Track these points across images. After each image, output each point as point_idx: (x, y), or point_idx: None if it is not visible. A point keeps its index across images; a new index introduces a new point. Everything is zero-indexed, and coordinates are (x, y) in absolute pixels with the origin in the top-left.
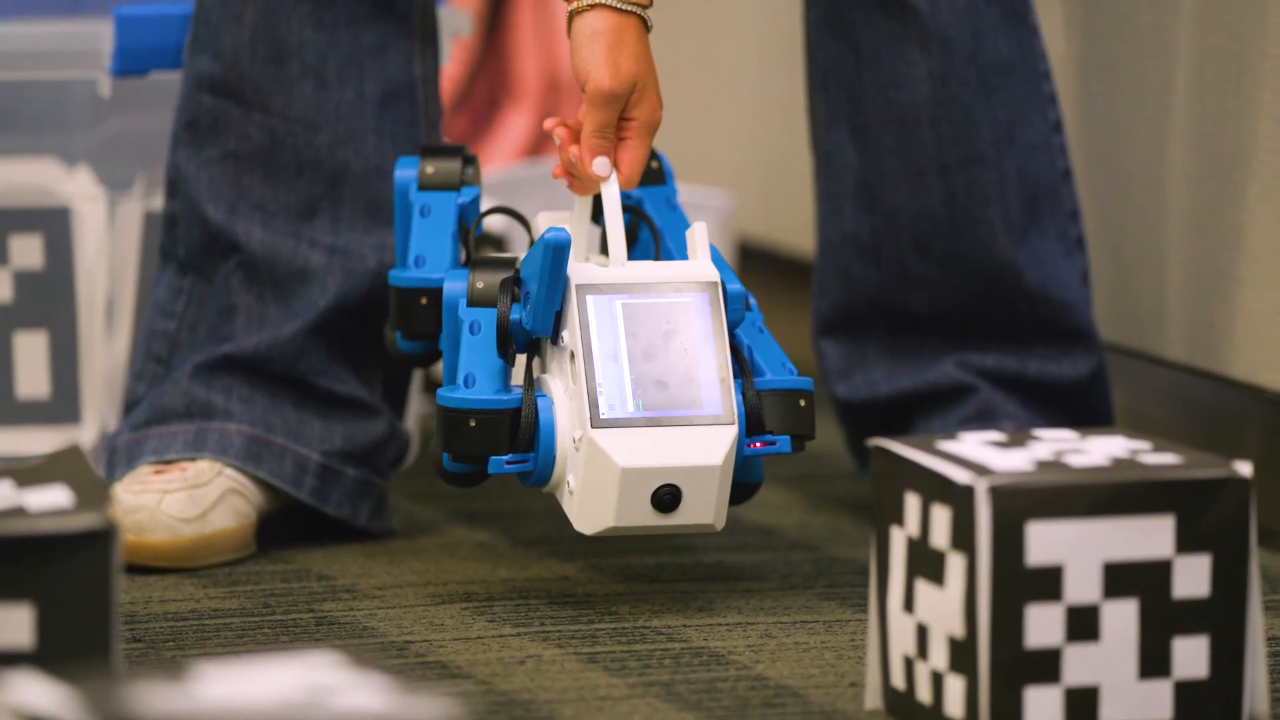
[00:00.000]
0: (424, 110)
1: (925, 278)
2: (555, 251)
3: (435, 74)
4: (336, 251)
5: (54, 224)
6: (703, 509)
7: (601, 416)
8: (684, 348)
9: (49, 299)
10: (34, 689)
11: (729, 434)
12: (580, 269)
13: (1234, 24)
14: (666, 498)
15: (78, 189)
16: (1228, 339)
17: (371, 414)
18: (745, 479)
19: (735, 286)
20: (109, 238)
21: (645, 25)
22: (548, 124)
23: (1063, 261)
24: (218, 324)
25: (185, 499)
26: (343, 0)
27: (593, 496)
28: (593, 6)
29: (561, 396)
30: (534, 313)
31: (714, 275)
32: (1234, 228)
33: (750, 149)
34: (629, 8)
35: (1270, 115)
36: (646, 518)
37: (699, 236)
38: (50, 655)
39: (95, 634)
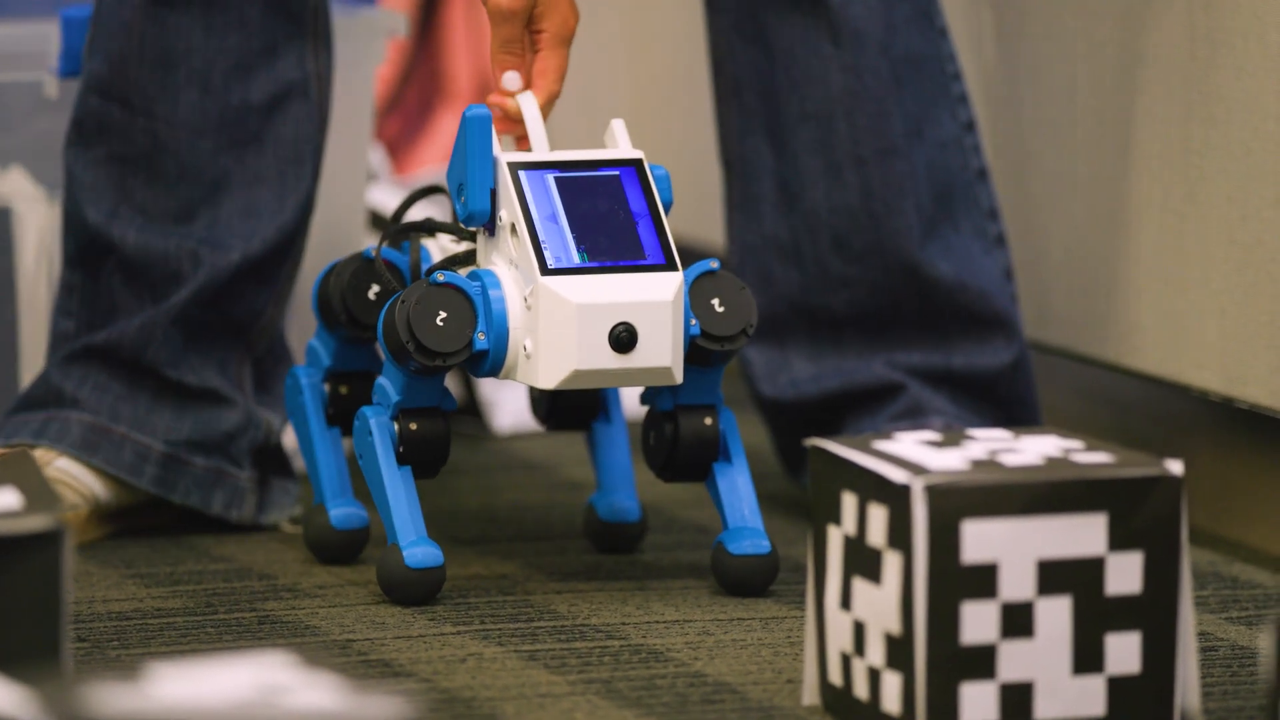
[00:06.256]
0: (317, 106)
1: (845, 276)
2: (477, 123)
3: (329, 72)
4: (204, 244)
5: None
6: (659, 350)
7: (549, 266)
8: (620, 210)
9: None
10: None
11: (675, 278)
12: (508, 153)
13: (1159, 30)
14: (623, 336)
15: (17, 189)
16: (1155, 338)
17: (225, 403)
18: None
19: (661, 169)
20: (50, 238)
21: None
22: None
23: (983, 259)
24: (104, 323)
25: None
26: (234, 4)
27: (552, 344)
28: None
29: (507, 273)
30: (469, 195)
31: (637, 154)
32: (1160, 228)
33: (680, 149)
34: None
35: (1197, 118)
36: (606, 360)
37: (618, 131)
38: (0, 655)
39: (45, 633)
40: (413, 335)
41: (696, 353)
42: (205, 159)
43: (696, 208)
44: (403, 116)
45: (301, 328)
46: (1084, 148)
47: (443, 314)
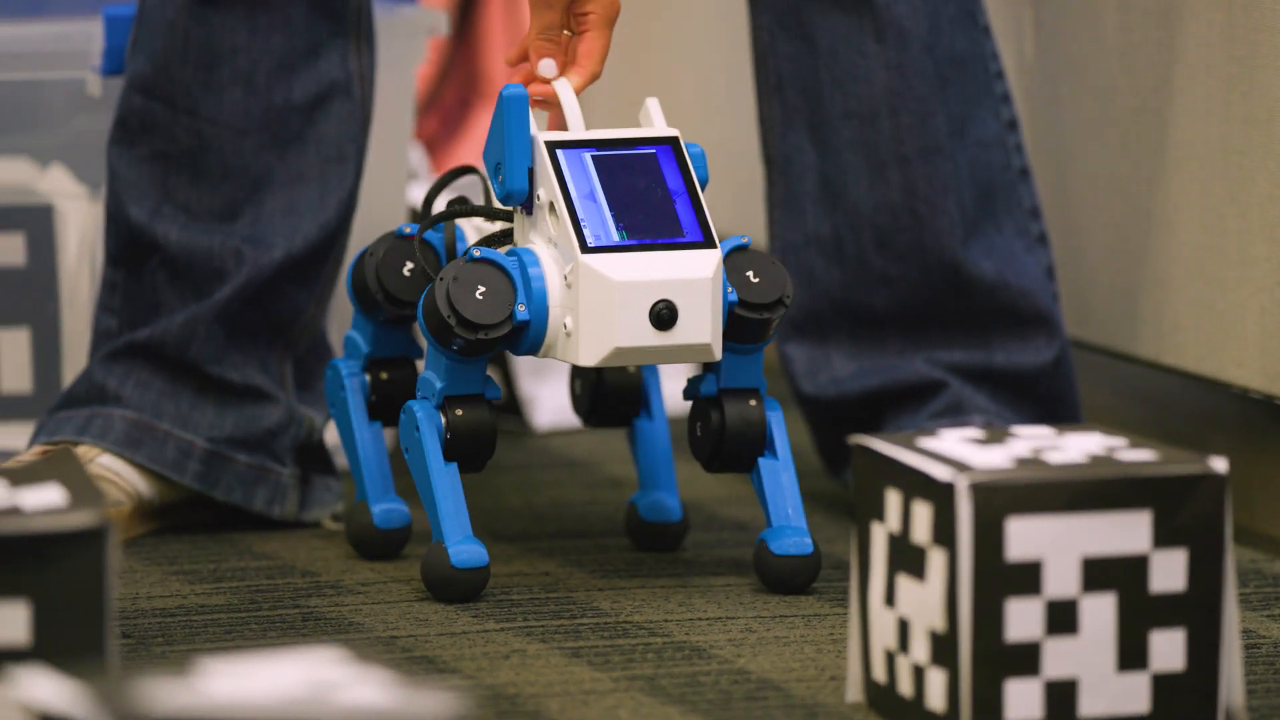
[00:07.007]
0: (360, 105)
1: (887, 274)
2: (514, 102)
3: (371, 71)
4: (247, 242)
5: (36, 222)
6: (699, 327)
7: (589, 244)
8: (658, 188)
9: (32, 296)
10: (43, 686)
11: (714, 255)
12: (545, 132)
13: (1199, 28)
14: (664, 313)
15: (59, 186)
16: (1195, 336)
17: (267, 401)
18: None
19: (697, 147)
20: (92, 235)
21: None
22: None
23: (1024, 257)
24: (147, 321)
25: None
26: (278, 4)
27: (593, 322)
28: None
29: (545, 252)
30: (507, 174)
31: (673, 132)
32: (1200, 226)
33: (720, 149)
34: None
35: (1237, 116)
36: (647, 337)
37: (653, 110)
38: (47, 652)
39: (91, 630)
40: (453, 310)
41: (735, 328)
42: (248, 157)
43: (736, 204)
44: (441, 115)
45: (341, 326)
46: (1124, 146)
47: (481, 288)
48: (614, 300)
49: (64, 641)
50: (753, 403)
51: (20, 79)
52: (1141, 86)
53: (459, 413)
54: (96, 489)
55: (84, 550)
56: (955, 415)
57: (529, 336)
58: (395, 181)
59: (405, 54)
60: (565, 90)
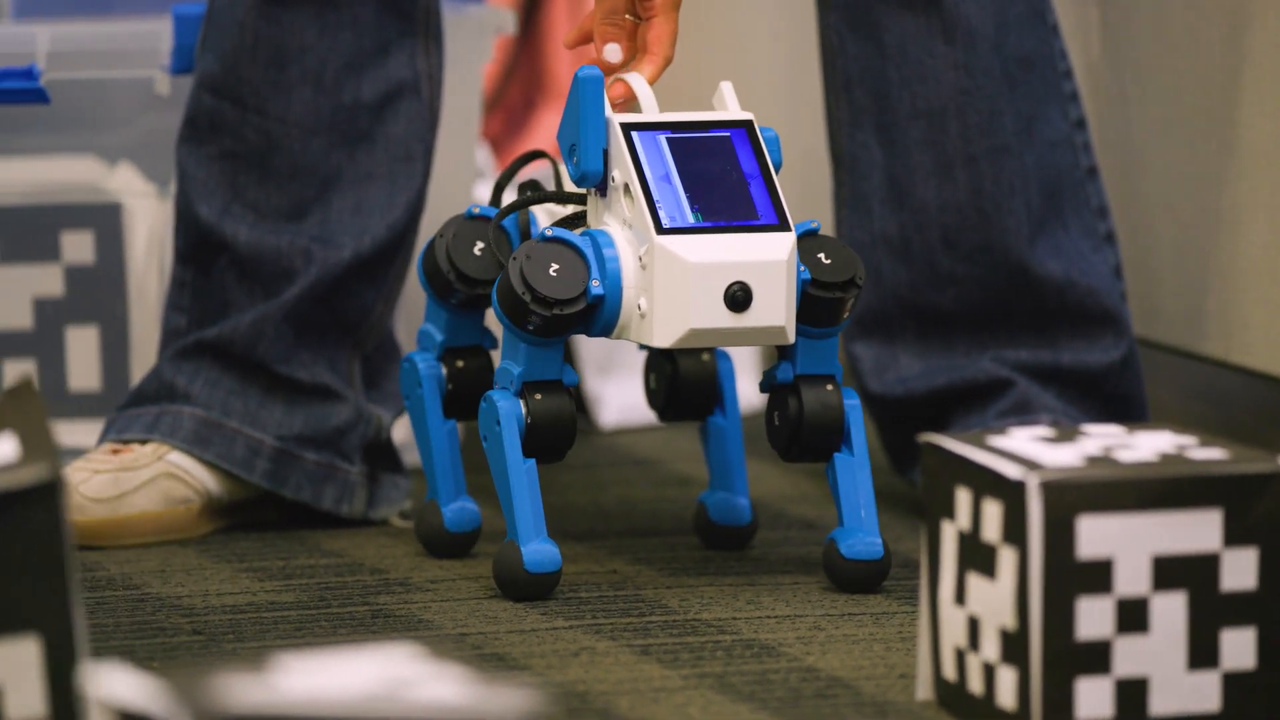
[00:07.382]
0: (428, 105)
1: (954, 274)
2: (590, 84)
3: (440, 71)
4: (315, 241)
5: (105, 220)
6: (774, 309)
7: (664, 226)
8: (732, 171)
9: (100, 294)
10: (121, 684)
11: (789, 238)
12: (620, 114)
13: (1271, 24)
14: (739, 295)
15: (128, 185)
16: (1263, 335)
17: (335, 399)
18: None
19: (771, 131)
20: (160, 233)
21: None
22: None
23: (1091, 256)
24: (216, 319)
25: (109, 480)
26: (347, 3)
27: (667, 304)
28: None
29: (620, 233)
30: (582, 155)
31: (748, 116)
32: (1268, 225)
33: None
34: None
35: None
36: (722, 319)
37: (727, 94)
38: (10, 608)
39: (52, 583)
40: (528, 286)
41: (809, 309)
42: (317, 157)
43: (800, 202)
44: (505, 114)
45: (409, 325)
46: (1191, 145)
47: (555, 266)
48: (689, 281)
49: (25, 596)
50: (829, 388)
51: (89, 77)
52: (1209, 86)
53: (538, 397)
54: (50, 435)
55: (38, 504)
56: (1022, 414)
57: (603, 316)
58: (462, 180)
59: (472, 53)
60: (640, 84)
